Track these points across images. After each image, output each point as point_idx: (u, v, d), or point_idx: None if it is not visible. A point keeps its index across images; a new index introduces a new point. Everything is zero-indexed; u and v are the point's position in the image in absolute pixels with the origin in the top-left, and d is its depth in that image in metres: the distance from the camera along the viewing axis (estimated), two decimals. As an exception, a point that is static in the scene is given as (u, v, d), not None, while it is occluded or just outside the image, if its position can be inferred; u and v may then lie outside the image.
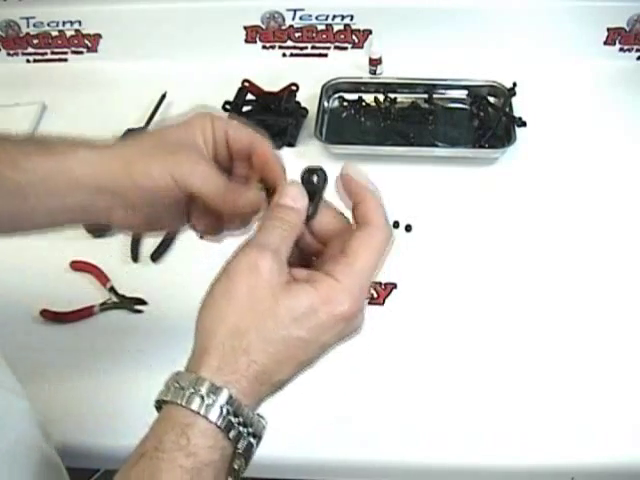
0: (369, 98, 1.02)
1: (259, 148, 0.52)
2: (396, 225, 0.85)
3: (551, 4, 1.04)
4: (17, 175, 0.51)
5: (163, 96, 1.04)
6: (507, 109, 0.96)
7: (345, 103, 1.03)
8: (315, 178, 0.47)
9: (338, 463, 0.66)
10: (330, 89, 1.02)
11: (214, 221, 0.53)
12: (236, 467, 0.41)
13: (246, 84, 1.00)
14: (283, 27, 1.09)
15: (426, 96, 1.00)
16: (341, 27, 1.09)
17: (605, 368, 0.70)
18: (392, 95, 1.02)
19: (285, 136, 0.97)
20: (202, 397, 0.39)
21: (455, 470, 0.66)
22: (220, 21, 1.09)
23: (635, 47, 1.06)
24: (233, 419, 0.39)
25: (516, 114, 0.96)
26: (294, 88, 1.00)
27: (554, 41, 1.06)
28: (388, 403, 0.68)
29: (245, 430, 0.40)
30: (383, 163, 0.93)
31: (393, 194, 0.88)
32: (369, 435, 0.66)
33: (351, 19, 1.08)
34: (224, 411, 0.39)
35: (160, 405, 0.41)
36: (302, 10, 1.07)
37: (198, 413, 0.39)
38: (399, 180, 0.91)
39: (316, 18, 1.08)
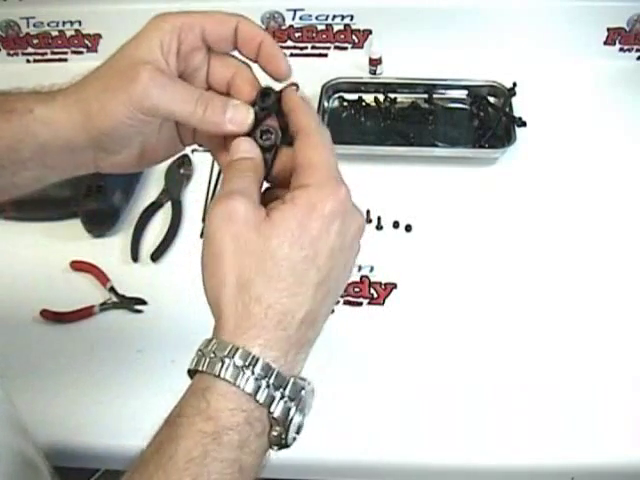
0: (369, 98, 1.02)
1: (246, 32, 0.46)
2: (396, 225, 0.85)
3: (551, 4, 1.04)
4: (53, 109, 0.46)
5: (163, 96, 1.03)
6: (507, 109, 0.96)
7: (345, 103, 1.02)
8: (270, 136, 0.47)
9: (338, 463, 0.66)
10: (330, 89, 1.02)
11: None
12: (275, 434, 0.39)
13: (246, 84, 0.99)
14: (283, 27, 1.09)
15: (426, 96, 1.00)
16: (341, 27, 1.09)
17: (605, 368, 0.70)
18: (392, 95, 1.01)
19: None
20: (221, 359, 0.38)
21: (455, 470, 0.66)
22: (220, 21, 1.09)
23: (635, 47, 1.06)
24: (261, 381, 0.38)
25: (516, 114, 0.96)
26: (294, 88, 0.99)
27: (554, 41, 1.06)
28: (388, 403, 0.68)
29: (278, 393, 0.38)
30: (383, 163, 0.93)
31: (393, 194, 0.88)
32: (369, 435, 0.66)
33: (351, 19, 1.08)
34: (246, 372, 0.37)
35: (192, 377, 0.40)
36: (302, 10, 1.07)
37: (217, 376, 0.37)
38: (399, 180, 0.91)
39: (316, 18, 1.08)
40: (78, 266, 0.83)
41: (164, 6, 1.13)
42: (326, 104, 1.01)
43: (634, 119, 0.98)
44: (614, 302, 0.75)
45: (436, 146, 0.95)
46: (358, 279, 0.79)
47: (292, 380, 0.39)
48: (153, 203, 0.90)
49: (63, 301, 0.79)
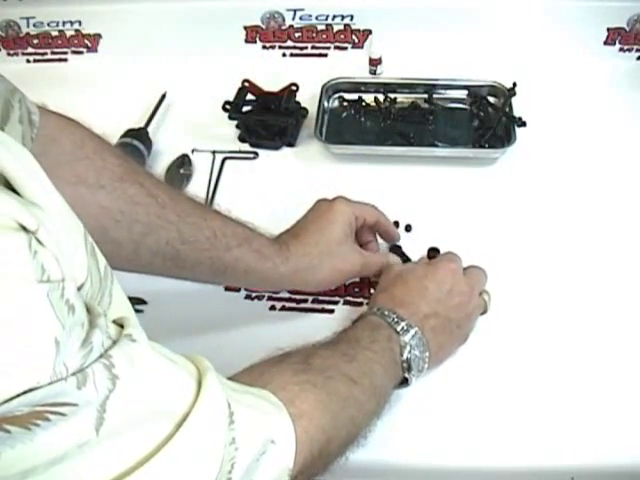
0: (369, 98, 1.02)
1: (383, 223, 0.79)
2: (396, 225, 0.85)
3: (551, 4, 1.04)
4: (226, 259, 0.67)
5: (163, 96, 1.04)
6: (507, 109, 0.96)
7: (345, 103, 1.02)
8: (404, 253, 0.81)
9: (342, 464, 0.66)
10: (330, 89, 1.02)
11: None
12: (403, 358, 0.63)
13: (246, 84, 1.00)
14: (283, 27, 1.09)
15: (426, 96, 1.00)
16: (341, 27, 1.09)
17: (605, 368, 0.70)
18: (392, 95, 1.01)
19: (285, 136, 0.97)
20: (389, 316, 0.65)
21: (454, 470, 0.66)
22: (220, 21, 1.09)
23: (635, 47, 1.06)
24: (402, 324, 0.65)
25: (516, 114, 0.95)
26: (294, 88, 1.00)
27: (554, 41, 1.06)
28: (391, 404, 0.68)
29: (409, 333, 0.64)
30: (383, 163, 0.93)
31: (393, 194, 0.89)
32: (371, 435, 0.66)
33: (351, 19, 1.08)
34: (401, 322, 0.65)
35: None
36: (302, 10, 1.07)
37: (390, 325, 0.65)
38: (399, 180, 0.91)
39: (316, 18, 1.08)
40: (78, 266, 0.83)
41: (164, 6, 1.13)
42: (326, 104, 1.01)
43: (634, 119, 0.98)
44: (614, 302, 0.75)
45: (436, 146, 0.95)
46: (358, 279, 0.79)
47: (417, 331, 0.64)
48: (153, 203, 0.90)
49: (63, 301, 0.78)
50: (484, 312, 0.74)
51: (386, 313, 0.65)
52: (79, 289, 0.37)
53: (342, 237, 0.73)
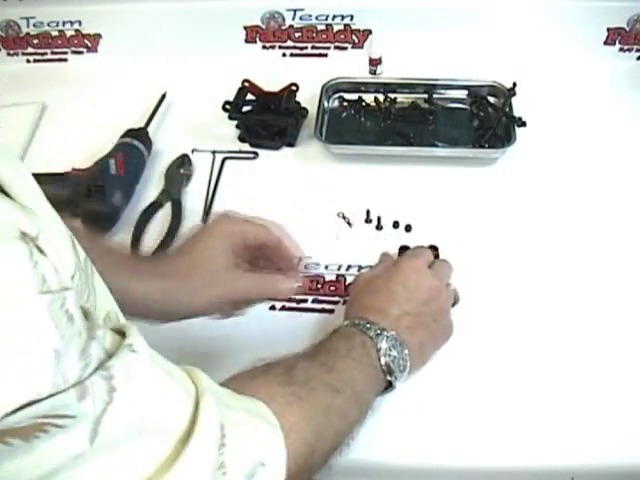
0: (369, 98, 1.02)
1: (271, 247, 0.68)
2: (396, 225, 0.85)
3: (551, 4, 1.04)
4: (140, 287, 0.62)
5: (163, 96, 1.04)
6: (507, 109, 0.96)
7: (345, 103, 1.02)
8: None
9: (338, 463, 0.66)
10: (330, 89, 1.02)
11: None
12: (382, 363, 0.62)
13: (246, 84, 1.00)
14: (283, 27, 1.09)
15: (426, 96, 1.00)
16: (341, 27, 1.09)
17: (605, 368, 0.70)
18: (392, 95, 1.01)
19: (285, 136, 0.97)
20: (364, 325, 0.64)
21: (455, 470, 0.66)
22: (220, 21, 1.09)
23: (635, 47, 1.06)
24: (373, 329, 0.64)
25: (516, 114, 0.95)
26: (294, 88, 1.00)
27: (554, 41, 1.06)
28: (387, 403, 0.68)
29: (382, 336, 0.63)
30: (383, 163, 0.93)
31: (393, 194, 0.89)
32: (369, 435, 0.66)
33: (351, 19, 1.08)
34: (372, 327, 0.64)
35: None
36: (302, 10, 1.07)
37: (365, 332, 0.63)
38: (399, 180, 0.91)
39: (316, 18, 1.08)
40: (78, 266, 0.83)
41: (164, 6, 1.13)
42: (326, 104, 1.01)
43: (634, 119, 0.98)
44: (614, 301, 0.75)
45: (436, 146, 0.95)
46: (358, 279, 0.79)
47: (391, 333, 0.64)
48: (153, 203, 0.90)
49: (63, 301, 0.78)
50: (455, 303, 0.73)
51: (357, 322, 0.65)
52: (70, 278, 0.37)
53: (220, 262, 0.65)
